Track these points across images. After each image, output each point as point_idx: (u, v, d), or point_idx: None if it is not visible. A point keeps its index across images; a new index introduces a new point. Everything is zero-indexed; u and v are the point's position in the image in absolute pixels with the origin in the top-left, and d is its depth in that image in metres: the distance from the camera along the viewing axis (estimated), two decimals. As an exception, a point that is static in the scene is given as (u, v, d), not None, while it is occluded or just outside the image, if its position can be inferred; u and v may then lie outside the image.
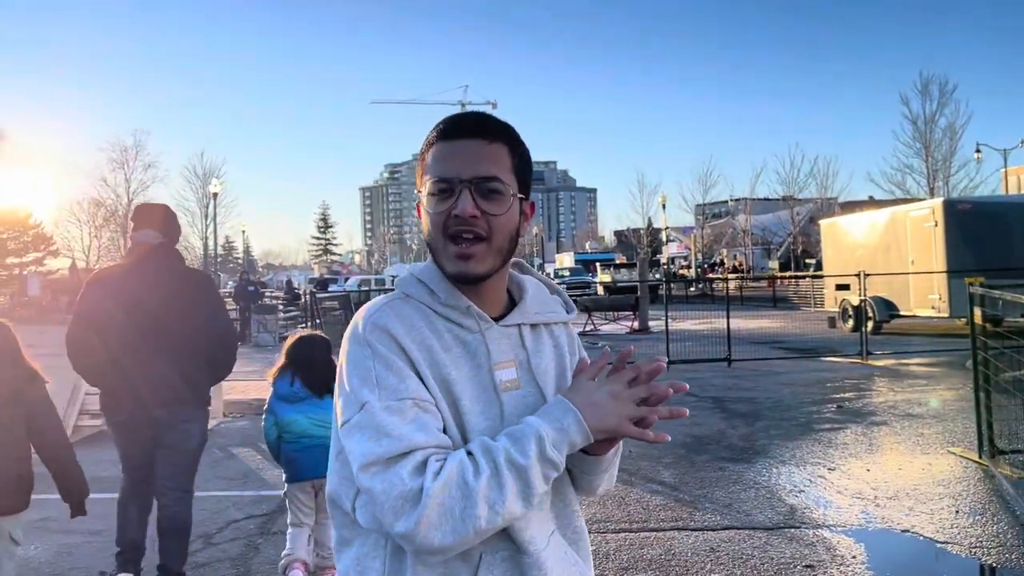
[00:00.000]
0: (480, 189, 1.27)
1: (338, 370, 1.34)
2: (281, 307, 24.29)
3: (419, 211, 1.36)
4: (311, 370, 4.24)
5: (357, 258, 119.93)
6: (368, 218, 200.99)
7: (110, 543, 5.13)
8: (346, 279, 48.42)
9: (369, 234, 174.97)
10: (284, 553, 4.37)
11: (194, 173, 54.20)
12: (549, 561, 1.33)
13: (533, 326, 1.40)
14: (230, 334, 4.45)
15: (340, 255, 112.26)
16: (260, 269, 74.10)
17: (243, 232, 69.29)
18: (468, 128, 1.31)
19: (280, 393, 4.26)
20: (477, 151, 1.29)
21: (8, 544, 3.43)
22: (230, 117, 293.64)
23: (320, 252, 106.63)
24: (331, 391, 3.74)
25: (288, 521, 4.34)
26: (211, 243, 52.17)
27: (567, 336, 1.48)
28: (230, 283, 46.68)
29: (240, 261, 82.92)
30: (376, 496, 1.17)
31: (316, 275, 56.98)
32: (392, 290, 1.43)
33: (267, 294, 29.98)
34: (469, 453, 1.20)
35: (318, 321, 13.85)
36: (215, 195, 42.74)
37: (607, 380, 1.30)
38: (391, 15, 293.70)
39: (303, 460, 4.18)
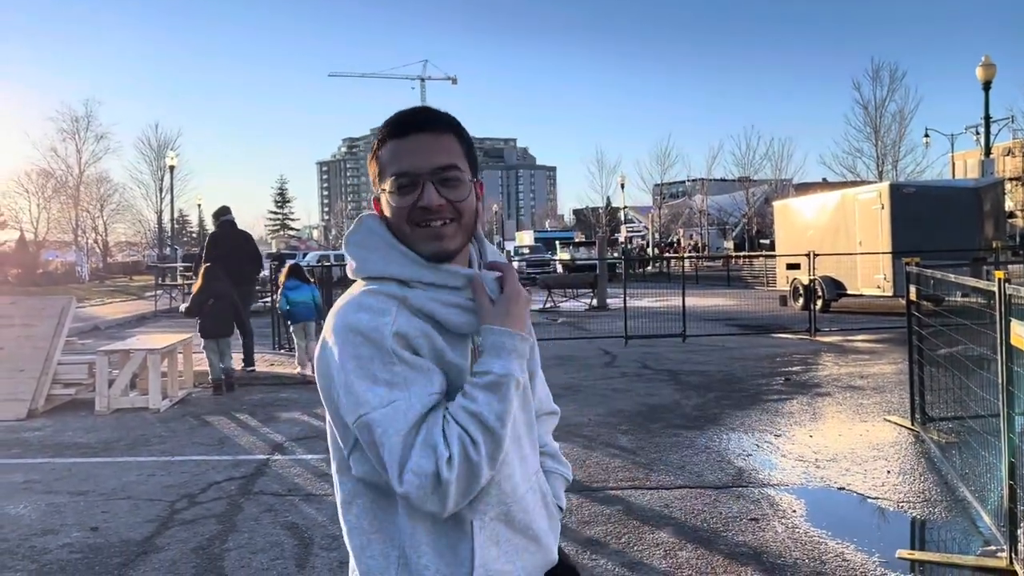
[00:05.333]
0: (441, 179, 1.38)
1: None
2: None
3: (377, 206, 1.47)
4: (299, 274, 10.53)
5: (315, 233, 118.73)
6: (326, 193, 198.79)
7: (96, 501, 5.41)
8: (304, 254, 48.11)
9: (327, 209, 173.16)
10: (297, 362, 10.50)
11: (148, 145, 53.18)
12: (531, 500, 1.49)
13: None
14: (258, 255, 11.56)
15: (298, 230, 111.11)
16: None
17: (199, 205, 68.23)
18: (417, 123, 1.41)
19: (288, 286, 10.28)
20: (431, 144, 1.39)
21: (228, 348, 9.53)
22: (185, 89, 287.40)
23: (278, 227, 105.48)
24: (304, 281, 10.68)
25: (296, 345, 10.52)
26: (165, 216, 51.43)
27: None
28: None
29: (195, 235, 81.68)
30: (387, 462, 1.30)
31: (274, 250, 56.48)
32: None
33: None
34: (457, 423, 1.31)
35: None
36: (171, 168, 42.08)
37: (498, 287, 1.43)
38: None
39: (298, 312, 10.24)
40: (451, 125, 1.44)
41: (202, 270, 9.82)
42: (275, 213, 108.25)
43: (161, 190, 51.50)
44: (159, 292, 24.56)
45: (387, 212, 1.43)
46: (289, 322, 10.52)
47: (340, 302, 1.42)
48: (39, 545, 4.61)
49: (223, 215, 10.95)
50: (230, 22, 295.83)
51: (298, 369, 10.46)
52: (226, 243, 10.64)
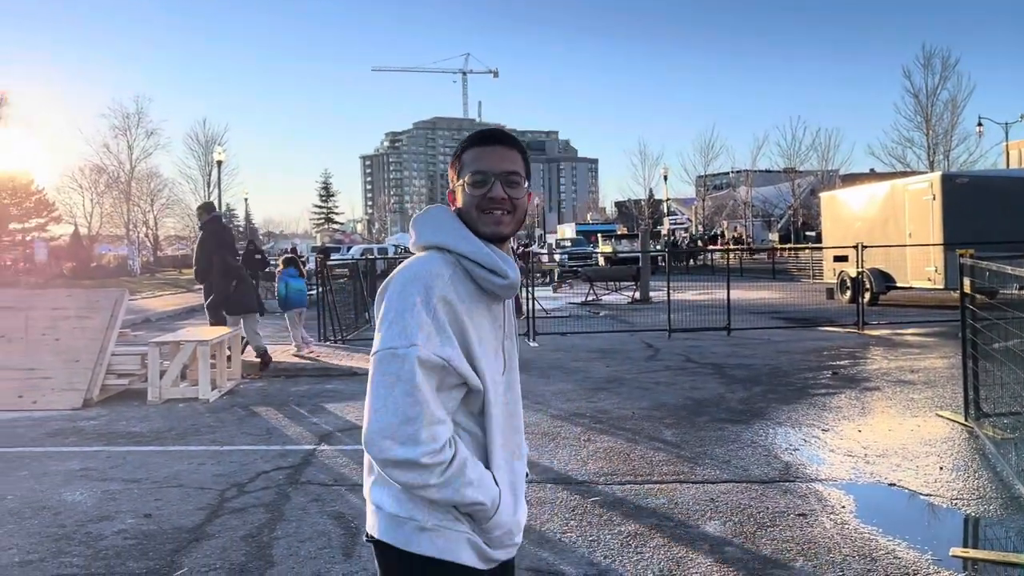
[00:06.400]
0: (506, 180, 1.80)
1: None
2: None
3: (451, 198, 1.88)
4: (295, 266, 12.55)
5: (359, 227, 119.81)
6: (369, 187, 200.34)
7: (149, 489, 5.53)
8: (348, 248, 48.62)
9: (370, 203, 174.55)
10: (294, 342, 12.04)
11: (196, 140, 54.19)
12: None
13: None
14: (235, 252, 12.02)
15: (342, 224, 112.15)
16: (261, 237, 74.21)
17: (245, 199, 69.44)
18: (495, 138, 1.85)
19: (288, 274, 12.19)
20: (503, 154, 1.82)
21: (255, 323, 10.75)
22: (232, 84, 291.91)
23: (322, 221, 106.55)
24: (301, 274, 13.18)
25: (289, 326, 12.11)
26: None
27: None
28: (233, 251, 46.89)
29: (242, 229, 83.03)
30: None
31: (319, 244, 57.21)
32: (395, 259, 1.89)
33: (271, 261, 30.20)
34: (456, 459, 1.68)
35: (328, 286, 14.17)
36: (219, 163, 42.80)
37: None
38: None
39: (292, 299, 11.98)
40: (519, 145, 1.87)
41: (216, 260, 10.50)
42: (319, 207, 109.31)
43: (209, 184, 52.45)
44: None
45: (460, 200, 1.83)
46: (283, 309, 12.22)
47: (409, 260, 1.78)
48: (95, 531, 4.73)
49: (212, 211, 11.46)
50: (275, 19, 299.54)
51: (293, 350, 11.96)
52: (225, 237, 11.08)
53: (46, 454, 6.54)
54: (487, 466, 1.76)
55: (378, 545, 1.74)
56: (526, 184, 1.85)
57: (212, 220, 11.00)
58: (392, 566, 1.73)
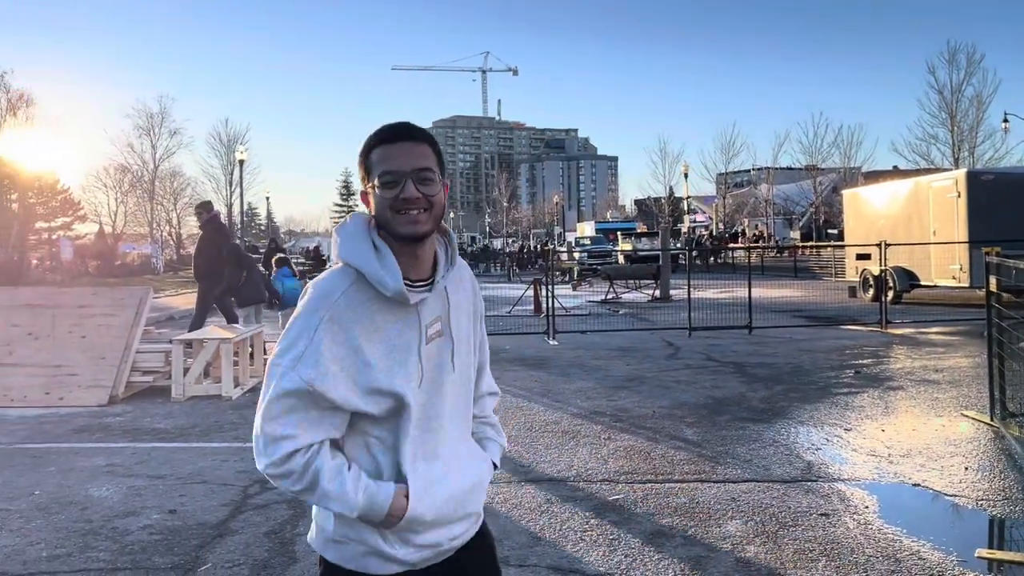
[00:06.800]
0: (418, 178, 1.71)
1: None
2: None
3: (364, 199, 1.80)
4: (290, 266, 12.40)
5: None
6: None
7: (174, 485, 5.59)
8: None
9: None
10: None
11: (219, 140, 54.70)
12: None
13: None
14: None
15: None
16: (282, 235, 74.86)
17: (267, 198, 70.01)
18: (402, 133, 1.75)
19: (283, 273, 11.89)
20: (412, 150, 1.73)
21: (260, 315, 11.32)
22: (253, 84, 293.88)
23: (342, 219, 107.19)
24: (293, 273, 12.92)
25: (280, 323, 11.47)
26: (235, 209, 52.72)
27: (471, 278, 1.97)
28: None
29: (263, 227, 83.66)
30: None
31: (339, 242, 57.61)
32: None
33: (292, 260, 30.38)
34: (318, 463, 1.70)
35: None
36: (241, 162, 43.14)
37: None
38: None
39: (288, 297, 11.17)
40: (427, 137, 1.77)
41: (225, 256, 10.88)
42: (340, 205, 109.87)
43: (231, 183, 52.95)
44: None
45: (373, 202, 1.74)
46: (279, 309, 12.49)
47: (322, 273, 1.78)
48: (121, 526, 4.79)
49: (211, 210, 11.76)
50: (296, 19, 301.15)
51: None
52: (222, 238, 11.35)
53: (73, 450, 6.63)
54: (398, 468, 1.74)
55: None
56: (440, 178, 1.77)
57: (211, 220, 11.19)
58: (319, 567, 1.84)
